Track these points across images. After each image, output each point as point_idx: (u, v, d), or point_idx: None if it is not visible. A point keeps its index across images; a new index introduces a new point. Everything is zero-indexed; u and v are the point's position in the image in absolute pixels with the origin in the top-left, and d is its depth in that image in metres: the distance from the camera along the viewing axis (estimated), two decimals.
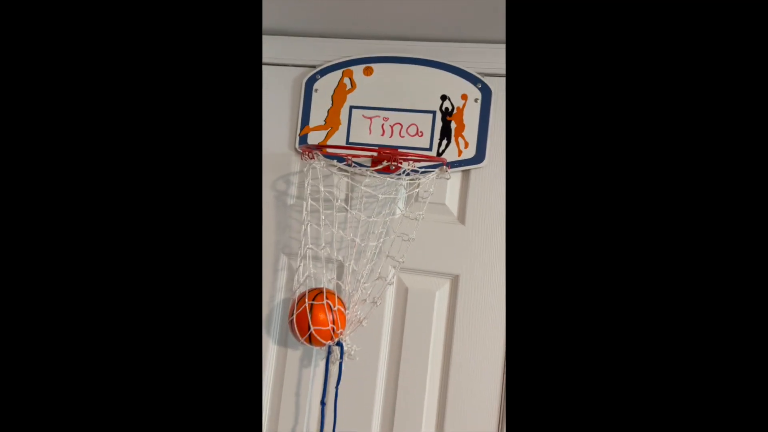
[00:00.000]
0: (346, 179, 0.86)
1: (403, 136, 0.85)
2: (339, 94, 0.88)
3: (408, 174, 0.77)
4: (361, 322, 0.78)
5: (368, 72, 0.87)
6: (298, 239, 0.89)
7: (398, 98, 0.86)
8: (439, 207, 0.86)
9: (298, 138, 0.90)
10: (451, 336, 0.84)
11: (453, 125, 0.84)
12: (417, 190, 0.81)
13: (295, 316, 0.75)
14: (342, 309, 0.77)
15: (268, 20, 0.86)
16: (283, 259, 0.92)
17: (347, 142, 0.87)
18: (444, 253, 0.85)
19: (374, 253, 0.80)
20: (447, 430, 0.83)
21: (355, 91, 0.87)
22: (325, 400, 0.83)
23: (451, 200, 0.86)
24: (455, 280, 0.85)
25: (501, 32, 0.79)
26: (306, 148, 0.78)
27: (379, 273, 0.81)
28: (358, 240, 0.79)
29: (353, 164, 0.80)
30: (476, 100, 0.83)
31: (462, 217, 0.85)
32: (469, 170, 0.84)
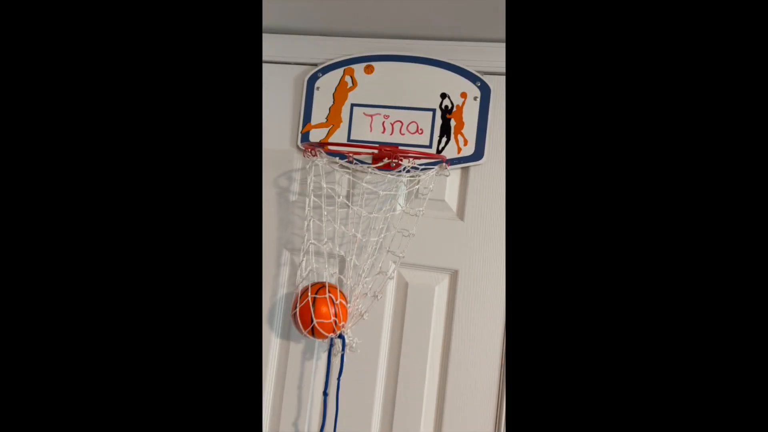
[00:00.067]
0: (347, 176, 0.88)
1: (403, 134, 0.86)
2: (340, 92, 0.89)
3: (408, 171, 0.78)
4: (362, 316, 0.80)
5: (369, 70, 0.88)
6: (300, 235, 0.91)
7: (399, 96, 0.87)
8: (438, 203, 0.87)
9: (300, 135, 0.91)
10: (450, 329, 0.86)
11: (452, 123, 0.85)
12: (417, 186, 0.82)
13: (298, 309, 0.76)
14: (344, 302, 0.79)
15: (271, 19, 0.87)
16: (286, 255, 0.93)
17: (348, 139, 0.88)
18: (443, 249, 0.86)
19: (375, 248, 0.82)
20: (446, 419, 0.85)
21: (357, 89, 0.88)
22: (327, 391, 0.84)
23: (451, 197, 0.87)
24: (454, 275, 0.86)
25: (500, 31, 0.80)
26: (308, 146, 0.79)
27: (380, 268, 0.82)
28: (359, 235, 0.80)
29: (354, 161, 0.81)
30: (475, 98, 0.84)
31: (461, 214, 0.87)
32: (468, 167, 0.86)
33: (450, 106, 0.85)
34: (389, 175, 0.80)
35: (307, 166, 0.82)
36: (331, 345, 0.81)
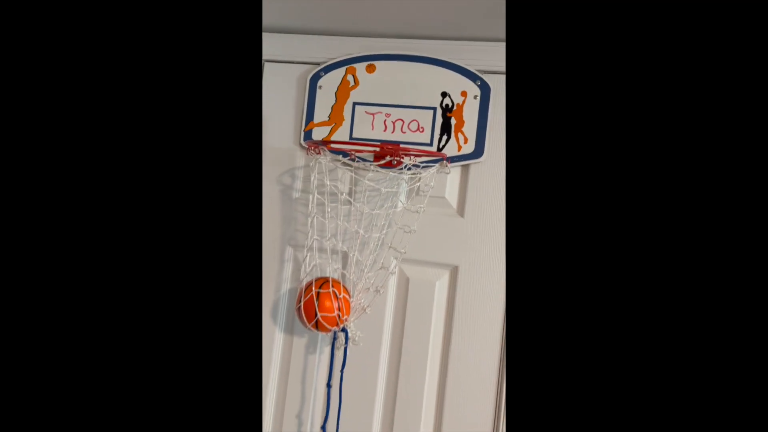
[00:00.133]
0: (350, 173, 0.89)
1: (404, 132, 0.88)
2: (342, 91, 0.90)
3: (409, 168, 0.79)
4: (364, 310, 0.81)
5: (371, 69, 0.89)
6: (303, 231, 0.92)
7: (400, 95, 0.88)
8: (439, 200, 0.88)
9: (302, 133, 0.93)
10: (451, 323, 0.87)
11: (453, 121, 0.86)
12: (418, 183, 0.83)
13: (302, 303, 0.78)
14: (347, 297, 0.80)
15: (274, 18, 0.88)
16: (289, 251, 0.94)
17: (350, 137, 0.90)
18: (444, 245, 0.88)
19: (377, 244, 0.83)
20: (446, 410, 0.87)
21: (358, 87, 0.90)
22: (331, 383, 0.86)
23: (451, 194, 0.88)
24: (454, 271, 0.88)
25: (500, 31, 0.81)
26: (311, 144, 0.80)
27: (382, 263, 0.84)
28: (361, 231, 0.82)
29: (357, 159, 0.82)
30: (475, 97, 0.85)
31: (461, 210, 0.88)
32: (468, 165, 0.87)
33: (450, 104, 0.86)
34: (391, 173, 0.82)
35: (311, 164, 0.84)
36: (335, 338, 0.83)
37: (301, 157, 0.94)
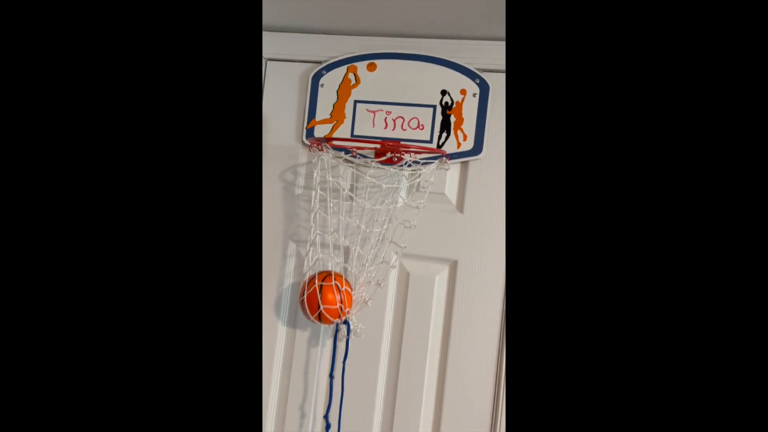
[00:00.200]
0: (351, 170, 0.90)
1: (405, 129, 0.89)
2: (344, 89, 0.91)
3: (410, 165, 0.80)
4: (366, 303, 0.82)
5: (372, 68, 0.91)
6: (306, 227, 0.94)
7: (400, 93, 0.89)
8: (438, 196, 0.89)
9: (305, 131, 0.94)
10: (450, 316, 0.89)
11: (452, 119, 0.87)
12: (418, 180, 0.84)
13: (306, 296, 0.79)
14: (349, 290, 0.82)
15: (276, 17, 0.89)
16: (292, 246, 0.96)
17: (352, 134, 0.91)
18: (443, 240, 0.89)
19: (378, 239, 0.84)
20: (446, 401, 0.88)
21: (360, 86, 0.91)
22: (333, 374, 0.88)
23: (451, 190, 0.90)
24: (454, 266, 0.89)
25: (498, 30, 0.82)
26: (314, 141, 0.81)
27: (383, 257, 0.86)
28: (363, 226, 0.83)
29: (358, 156, 0.84)
30: (474, 95, 0.87)
31: (460, 206, 0.89)
32: (467, 162, 0.88)
33: (450, 102, 0.87)
34: (391, 169, 0.83)
35: (313, 161, 0.85)
36: (337, 330, 0.84)
37: (303, 155, 0.95)
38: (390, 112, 0.89)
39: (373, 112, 0.90)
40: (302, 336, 0.95)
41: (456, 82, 0.87)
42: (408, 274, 0.91)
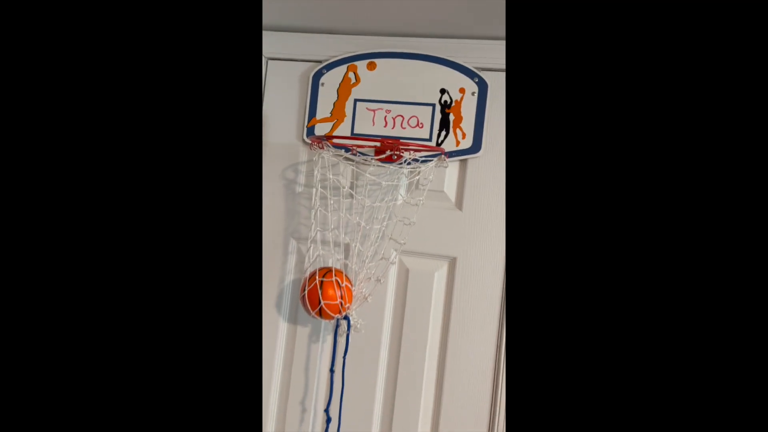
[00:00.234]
0: (351, 168, 0.91)
1: (404, 128, 0.90)
2: (344, 88, 0.92)
3: (409, 163, 0.81)
4: (366, 298, 0.83)
5: (372, 67, 0.91)
6: (307, 224, 0.95)
7: (400, 92, 0.90)
8: (438, 194, 0.90)
9: (305, 129, 0.95)
10: (449, 312, 0.90)
11: (451, 117, 0.88)
12: (417, 177, 0.85)
13: (307, 291, 0.80)
14: (349, 286, 0.83)
15: (277, 17, 0.89)
16: (293, 243, 0.97)
17: (352, 133, 0.92)
18: (442, 237, 0.90)
19: (378, 236, 0.85)
20: (444, 395, 0.89)
21: (360, 85, 0.92)
22: (334, 368, 0.89)
23: (450, 187, 0.91)
24: (453, 262, 0.90)
25: (497, 29, 0.83)
26: (315, 139, 0.82)
27: (383, 254, 0.87)
28: (363, 223, 0.84)
29: (358, 154, 0.85)
30: (473, 94, 0.87)
31: (459, 204, 0.90)
32: (466, 159, 0.89)
33: (449, 101, 0.88)
34: (391, 167, 0.84)
35: (313, 159, 0.86)
36: (337, 326, 0.85)
37: (304, 153, 0.96)
38: (390, 111, 0.90)
39: (373, 110, 0.91)
40: (303, 331, 0.96)
41: (455, 81, 0.88)
42: (407, 271, 0.92)
